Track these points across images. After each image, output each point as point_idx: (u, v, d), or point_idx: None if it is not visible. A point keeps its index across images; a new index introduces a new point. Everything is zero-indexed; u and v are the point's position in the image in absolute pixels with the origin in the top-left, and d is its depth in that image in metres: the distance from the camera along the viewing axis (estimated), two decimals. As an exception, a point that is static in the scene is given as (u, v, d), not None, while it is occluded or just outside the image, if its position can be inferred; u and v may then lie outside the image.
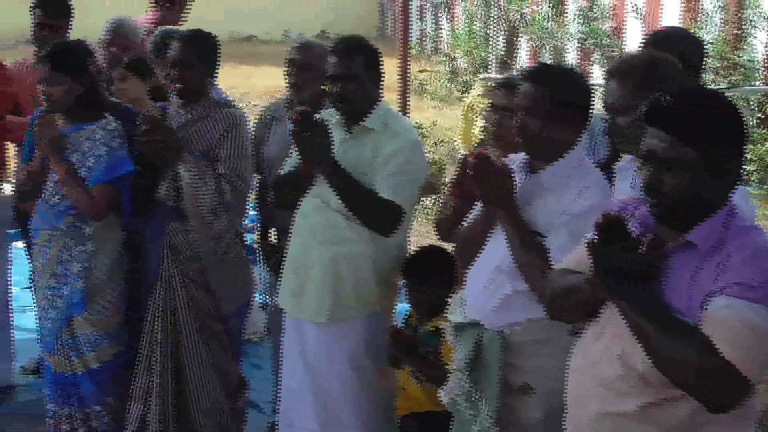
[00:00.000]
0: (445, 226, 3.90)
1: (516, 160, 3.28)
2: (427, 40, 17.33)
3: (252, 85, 14.06)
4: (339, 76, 3.77)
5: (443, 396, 3.34)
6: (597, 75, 11.21)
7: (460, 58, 14.56)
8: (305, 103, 4.14)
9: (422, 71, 14.41)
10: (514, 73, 7.84)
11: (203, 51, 4.29)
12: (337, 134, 3.75)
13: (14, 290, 5.35)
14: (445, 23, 16.54)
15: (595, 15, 12.26)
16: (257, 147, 4.69)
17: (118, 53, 5.29)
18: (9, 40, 12.75)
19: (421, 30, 17.40)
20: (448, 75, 14.39)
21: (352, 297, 3.81)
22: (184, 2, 6.49)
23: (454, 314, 3.34)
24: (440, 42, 16.68)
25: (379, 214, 3.72)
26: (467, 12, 14.79)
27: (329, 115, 3.86)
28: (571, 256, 2.72)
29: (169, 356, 4.25)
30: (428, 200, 8.39)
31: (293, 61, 4.45)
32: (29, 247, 4.63)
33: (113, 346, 4.31)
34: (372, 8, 20.35)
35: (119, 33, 5.51)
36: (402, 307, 4.05)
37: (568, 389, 2.66)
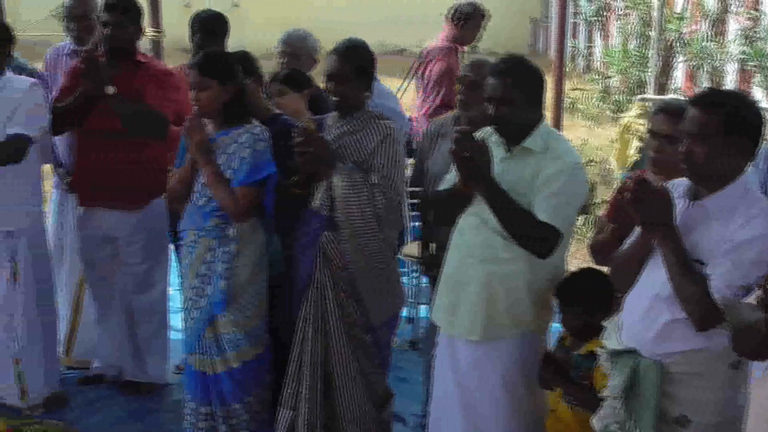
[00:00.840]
0: (600, 250, 3.85)
1: (677, 185, 3.21)
2: (580, 57, 17.14)
3: (401, 98, 14.15)
4: (497, 97, 3.76)
5: (596, 423, 3.30)
6: (759, 98, 10.87)
7: (613, 77, 14.32)
8: (473, 121, 4.15)
9: (574, 89, 14.24)
10: (673, 96, 7.70)
11: (359, 64, 4.36)
12: (497, 153, 3.75)
13: (170, 291, 5.52)
14: (598, 41, 16.33)
15: (758, 35, 11.88)
16: (421, 160, 4.75)
17: (291, 64, 5.45)
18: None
19: (573, 47, 17.21)
20: (601, 94, 14.17)
21: (506, 316, 3.79)
22: (480, 19, 6.67)
23: (610, 340, 3.29)
24: (593, 60, 16.47)
25: (536, 236, 3.68)
26: (622, 30, 14.54)
27: (489, 134, 3.86)
28: None
29: (319, 364, 4.31)
30: (579, 220, 8.29)
31: (463, 78, 4.47)
32: (178, 248, 4.80)
33: (254, 346, 4.42)
34: (524, 24, 20.26)
35: (289, 44, 5.67)
36: (556, 327, 4.01)
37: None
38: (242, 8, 18.40)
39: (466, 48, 7.38)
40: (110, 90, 4.86)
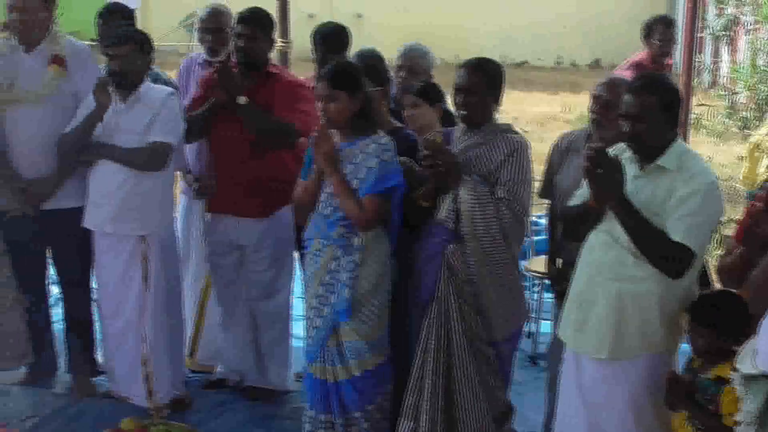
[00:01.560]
0: (729, 272, 3.76)
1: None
2: (705, 72, 16.77)
3: (522, 111, 14.11)
4: (632, 115, 3.71)
5: (728, 448, 3.23)
6: None
7: (741, 93, 13.98)
8: (605, 139, 4.11)
9: (699, 105, 13.95)
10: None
11: (489, 78, 4.37)
12: (629, 170, 3.70)
13: (292, 299, 5.59)
14: (725, 56, 15.97)
15: None
16: (550, 175, 4.73)
17: (408, 78, 5.47)
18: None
19: (699, 62, 16.87)
20: (727, 110, 13.84)
21: (635, 335, 3.72)
22: (672, 39, 6.69)
23: (744, 364, 3.20)
24: (718, 75, 16.10)
25: (668, 256, 3.61)
26: (752, 45, 14.18)
27: (622, 150, 3.82)
28: None
29: (441, 376, 4.31)
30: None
31: (598, 98, 4.43)
32: (302, 257, 4.86)
33: (376, 355, 4.44)
34: (649, 39, 19.90)
35: (409, 58, 5.69)
36: (685, 348, 3.92)
37: None
38: (365, 18, 18.55)
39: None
40: (242, 100, 4.97)
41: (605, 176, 3.59)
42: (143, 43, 4.99)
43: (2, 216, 5.10)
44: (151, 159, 4.88)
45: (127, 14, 5.54)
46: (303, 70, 6.51)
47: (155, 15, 17.28)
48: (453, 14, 18.61)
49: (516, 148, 4.32)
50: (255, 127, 5.01)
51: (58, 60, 5.12)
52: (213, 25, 5.70)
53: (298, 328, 5.61)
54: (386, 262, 4.45)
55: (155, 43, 5.18)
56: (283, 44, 7.03)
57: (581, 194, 3.95)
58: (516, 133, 4.46)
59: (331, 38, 5.52)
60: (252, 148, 5.04)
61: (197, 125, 5.08)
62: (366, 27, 16.50)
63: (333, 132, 4.41)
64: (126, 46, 4.91)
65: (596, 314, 3.78)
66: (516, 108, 14.05)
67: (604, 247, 3.78)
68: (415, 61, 5.70)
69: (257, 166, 5.06)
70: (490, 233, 4.26)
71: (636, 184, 3.71)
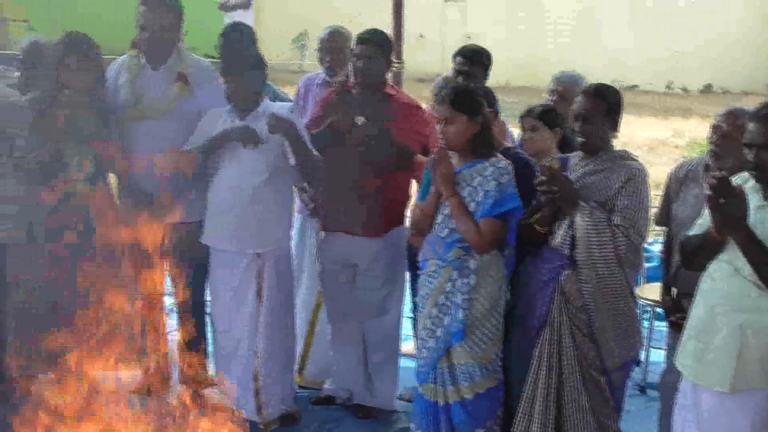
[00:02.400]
0: None
1: None
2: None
3: (632, 135, 13.93)
4: (756, 143, 3.64)
5: None
6: None
7: None
8: (726, 170, 4.04)
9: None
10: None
11: (608, 105, 4.37)
12: (753, 200, 3.62)
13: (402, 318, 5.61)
14: None
15: None
16: (668, 203, 4.68)
17: (559, 103, 5.50)
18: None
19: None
20: None
21: (757, 368, 3.62)
22: None
23: None
24: None
25: None
26: None
27: (745, 180, 3.74)
28: None
29: (552, 402, 4.30)
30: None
31: (717, 128, 4.38)
32: (414, 278, 4.87)
33: (487, 379, 4.44)
34: (763, 63, 19.50)
35: (561, 83, 5.74)
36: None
37: None
38: (474, 39, 18.54)
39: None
40: (360, 120, 5.02)
41: (728, 206, 3.52)
42: (260, 63, 5.09)
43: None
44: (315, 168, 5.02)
45: (247, 35, 5.65)
46: (415, 90, 6.56)
47: (268, 32, 17.57)
48: (562, 37, 18.50)
49: (634, 175, 4.29)
50: (371, 147, 5.05)
51: (182, 77, 5.25)
52: (333, 46, 5.80)
53: (404, 348, 5.65)
54: (501, 286, 4.45)
55: (269, 61, 5.27)
56: (396, 64, 7.09)
57: (701, 223, 3.88)
58: (634, 159, 4.42)
59: (475, 57, 5.54)
60: (369, 167, 5.08)
61: (317, 145, 5.16)
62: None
63: (451, 154, 4.44)
64: (243, 66, 5.01)
65: (717, 345, 3.69)
66: (626, 132, 13.81)
67: (726, 277, 3.70)
68: (566, 87, 5.73)
69: (373, 186, 5.10)
70: (605, 260, 4.24)
71: (759, 214, 3.63)
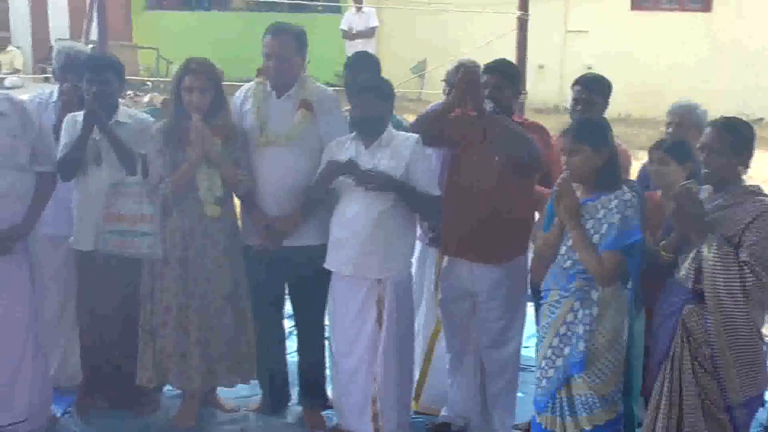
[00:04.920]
0: None
1: None
2: None
3: (758, 170, 13.57)
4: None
5: None
6: None
7: None
8: None
9: None
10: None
11: (738, 140, 4.33)
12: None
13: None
14: None
15: None
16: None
17: (675, 133, 5.49)
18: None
19: None
20: None
21: None
22: None
23: None
24: None
25: None
26: None
27: None
28: None
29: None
30: None
31: None
32: (537, 308, 4.84)
33: (607, 411, 4.40)
34: None
35: (677, 113, 5.72)
36: None
37: None
38: (595, 69, 18.35)
39: None
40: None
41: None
42: (384, 92, 5.16)
43: (247, 250, 5.37)
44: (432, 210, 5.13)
45: (373, 64, 5.74)
46: (536, 119, 6.54)
47: (390, 61, 17.74)
48: (684, 68, 18.18)
49: (764, 211, 4.21)
50: (505, 135, 5.02)
51: (306, 105, 5.35)
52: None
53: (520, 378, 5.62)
54: (623, 318, 4.41)
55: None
56: (520, 95, 7.10)
57: None
58: (766, 195, 4.34)
59: (501, 70, 5.45)
60: (490, 194, 5.07)
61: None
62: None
63: (576, 185, 4.43)
64: (368, 95, 5.10)
65: None
66: (752, 166, 13.52)
67: None
68: (682, 116, 5.69)
69: (495, 213, 5.08)
70: (731, 295, 4.17)
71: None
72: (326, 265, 5.23)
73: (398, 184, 5.02)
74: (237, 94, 5.56)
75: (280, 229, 5.33)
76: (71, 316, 5.66)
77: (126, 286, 5.37)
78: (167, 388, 5.66)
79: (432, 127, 5.18)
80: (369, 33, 16.31)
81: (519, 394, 5.51)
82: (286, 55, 5.31)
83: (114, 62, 5.59)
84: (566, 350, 4.39)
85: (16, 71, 18.29)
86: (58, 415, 5.58)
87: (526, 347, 5.85)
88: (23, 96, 5.78)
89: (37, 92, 6.07)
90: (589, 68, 18.40)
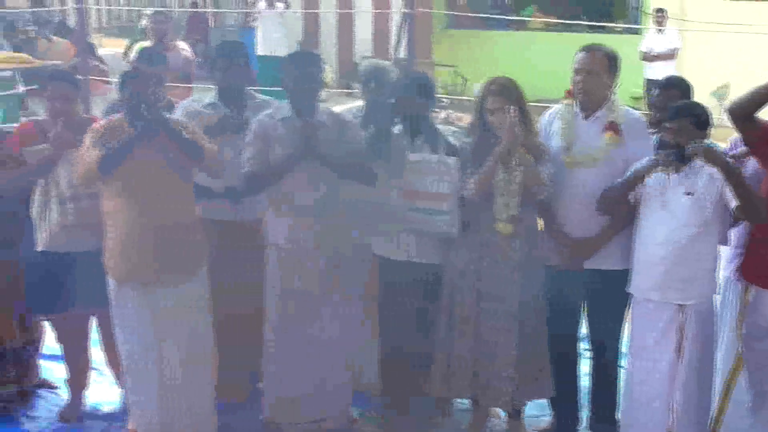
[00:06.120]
0: None
1: None
2: None
3: None
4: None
5: None
6: None
7: None
8: None
9: None
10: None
11: None
12: None
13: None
14: None
15: None
16: None
17: None
18: None
19: None
20: None
21: None
22: None
23: None
24: None
25: None
26: None
27: None
28: None
29: None
30: None
31: None
32: None
33: None
34: None
35: None
36: None
37: None
38: None
39: None
40: None
41: None
42: (700, 117, 5.04)
43: (549, 270, 5.40)
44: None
45: (684, 88, 5.61)
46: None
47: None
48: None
49: None
50: None
51: (613, 127, 5.31)
52: None
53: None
54: None
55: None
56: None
57: None
58: None
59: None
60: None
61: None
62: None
63: None
64: (683, 120, 5.00)
65: None
66: None
67: None
68: None
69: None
70: None
71: None
72: (630, 290, 5.18)
73: (732, 168, 4.87)
74: (544, 115, 5.60)
75: (583, 250, 5.32)
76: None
77: (423, 295, 5.51)
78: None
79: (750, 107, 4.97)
80: (670, 55, 15.87)
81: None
82: (595, 71, 5.30)
83: (427, 80, 5.77)
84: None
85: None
86: (356, 416, 5.84)
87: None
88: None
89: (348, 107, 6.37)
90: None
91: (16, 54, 14.10)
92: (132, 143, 5.07)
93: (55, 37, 11.97)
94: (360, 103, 6.25)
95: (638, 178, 5.08)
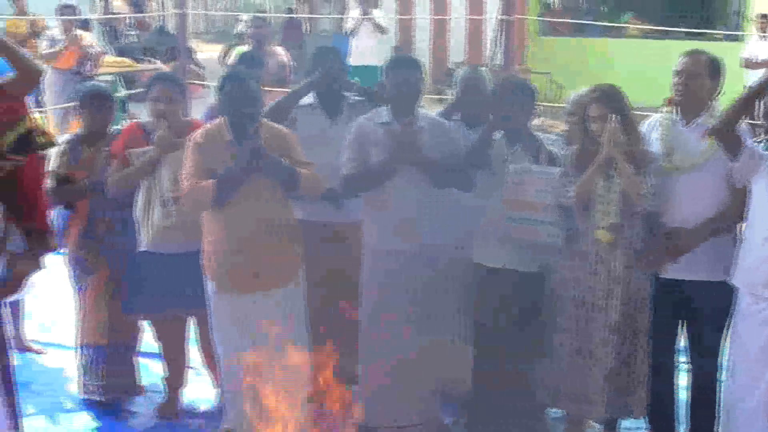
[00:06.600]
0: None
1: None
2: None
3: None
4: None
5: None
6: None
7: None
8: None
9: None
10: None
11: None
12: None
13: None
14: None
15: None
16: None
17: None
18: None
19: None
20: None
21: None
22: None
23: None
24: None
25: None
26: None
27: None
28: None
29: None
30: None
31: None
32: None
33: None
34: None
35: None
36: None
37: None
38: None
39: None
40: None
41: None
42: None
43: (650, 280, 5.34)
44: None
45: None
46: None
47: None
48: None
49: None
50: None
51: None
52: None
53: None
54: None
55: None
56: None
57: None
58: None
59: None
60: None
61: None
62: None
63: None
64: None
65: None
66: None
67: None
68: None
69: None
70: None
71: None
72: (734, 281, 5.07)
73: None
74: (644, 123, 5.53)
75: (686, 242, 5.21)
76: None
77: (521, 304, 5.48)
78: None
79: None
80: (772, 63, 15.50)
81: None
82: (695, 73, 5.24)
83: (529, 87, 5.75)
84: None
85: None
86: (447, 422, 5.82)
87: None
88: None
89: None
90: None
91: (119, 59, 14.42)
92: (241, 179, 5.14)
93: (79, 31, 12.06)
94: (446, 108, 6.23)
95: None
